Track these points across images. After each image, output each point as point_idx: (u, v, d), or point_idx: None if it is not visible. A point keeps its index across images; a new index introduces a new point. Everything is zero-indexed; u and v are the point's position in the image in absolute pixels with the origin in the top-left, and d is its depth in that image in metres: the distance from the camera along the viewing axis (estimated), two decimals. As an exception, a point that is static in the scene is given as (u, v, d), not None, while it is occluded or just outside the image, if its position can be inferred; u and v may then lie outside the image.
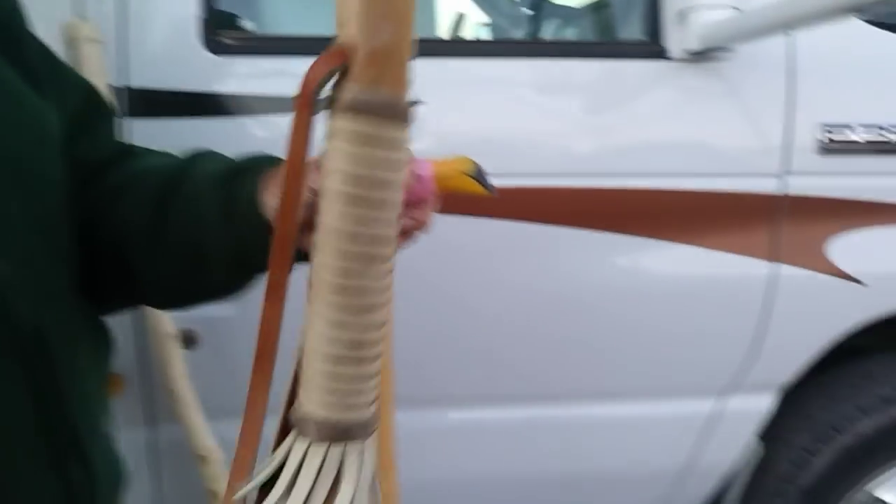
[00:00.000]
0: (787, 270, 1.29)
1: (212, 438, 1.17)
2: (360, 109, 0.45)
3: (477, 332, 1.27)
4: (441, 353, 1.27)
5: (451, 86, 1.18)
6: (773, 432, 1.46)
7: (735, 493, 1.47)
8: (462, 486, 1.39)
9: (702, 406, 1.38)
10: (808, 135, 1.25)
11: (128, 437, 1.26)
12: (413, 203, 0.53)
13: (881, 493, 1.47)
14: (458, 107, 1.19)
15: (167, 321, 1.14)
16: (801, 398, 1.48)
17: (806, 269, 1.30)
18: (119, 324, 1.20)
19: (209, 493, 1.18)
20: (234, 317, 1.15)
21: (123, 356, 1.22)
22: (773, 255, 1.29)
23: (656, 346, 1.31)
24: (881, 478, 1.46)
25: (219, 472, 1.16)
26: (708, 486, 1.47)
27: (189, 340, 1.17)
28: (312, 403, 0.48)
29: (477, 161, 0.59)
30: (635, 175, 1.23)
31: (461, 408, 1.34)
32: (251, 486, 0.49)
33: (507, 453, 1.36)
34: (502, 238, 1.22)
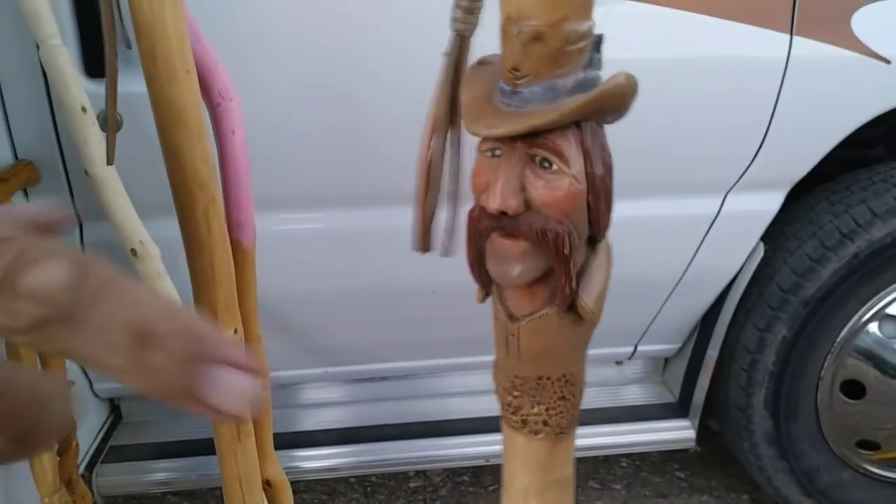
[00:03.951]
0: (805, 45, 1.12)
1: (144, 231, 1.02)
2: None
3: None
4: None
5: None
6: (778, 240, 1.33)
7: (733, 302, 1.36)
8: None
9: (707, 205, 1.24)
10: None
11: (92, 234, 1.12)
12: None
13: (896, 311, 1.35)
14: None
15: (79, 92, 0.96)
16: (809, 202, 1.35)
17: (826, 44, 1.13)
18: (26, 99, 1.05)
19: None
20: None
21: (35, 139, 1.05)
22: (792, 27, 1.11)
23: (656, 137, 1.15)
24: (896, 294, 1.34)
25: (156, 268, 1.01)
26: (707, 294, 1.35)
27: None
28: None
29: None
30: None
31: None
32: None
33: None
34: None
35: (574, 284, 0.46)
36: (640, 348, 1.47)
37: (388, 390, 1.48)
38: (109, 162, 0.72)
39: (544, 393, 0.50)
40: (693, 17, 1.08)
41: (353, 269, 1.23)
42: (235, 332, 0.79)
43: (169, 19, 0.62)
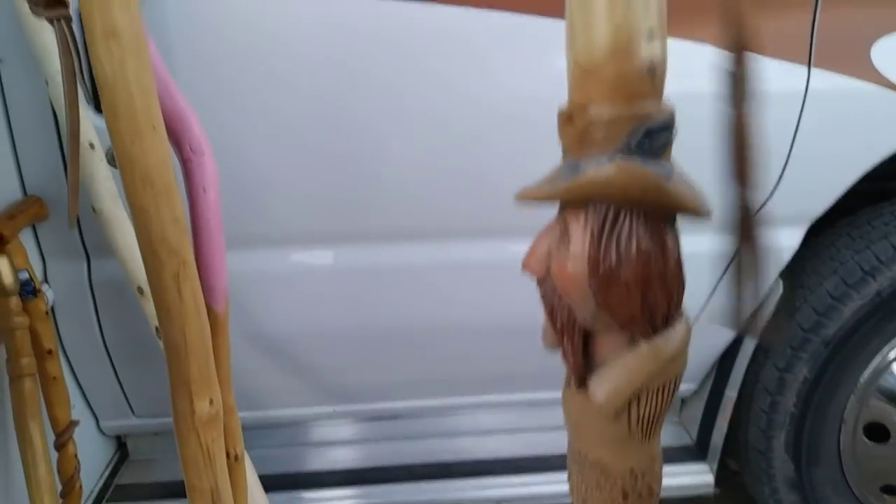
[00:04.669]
0: (824, 78, 1.10)
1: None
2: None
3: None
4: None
5: None
6: (797, 277, 1.30)
7: (752, 342, 1.32)
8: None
9: (719, 240, 1.21)
10: None
11: (61, 272, 1.12)
12: None
13: (920, 349, 1.31)
14: None
15: (87, 129, 0.96)
16: (829, 237, 1.31)
17: (845, 76, 1.11)
18: (35, 135, 1.05)
19: (153, 329, 1.02)
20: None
21: (43, 175, 1.05)
22: (810, 60, 1.09)
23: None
24: (921, 331, 1.30)
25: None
26: (725, 333, 1.32)
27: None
28: None
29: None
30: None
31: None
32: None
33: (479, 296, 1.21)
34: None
35: (577, 362, 0.44)
36: (656, 388, 1.43)
37: (397, 429, 1.45)
38: (70, 225, 0.69)
39: (583, 468, 0.48)
40: (708, 48, 1.07)
41: (362, 306, 1.21)
42: (211, 402, 0.74)
43: (131, 74, 0.57)
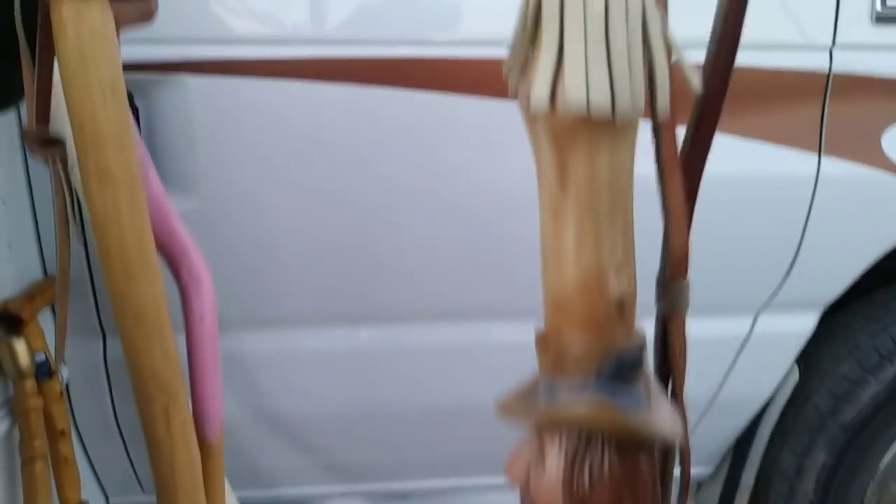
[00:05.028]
0: (834, 165, 1.11)
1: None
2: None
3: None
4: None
5: None
6: (814, 360, 1.28)
7: (769, 426, 1.30)
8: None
9: (736, 327, 1.21)
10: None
11: (76, 349, 1.13)
12: None
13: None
14: None
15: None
16: (845, 321, 1.30)
17: (857, 164, 1.12)
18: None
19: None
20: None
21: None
22: (821, 148, 1.10)
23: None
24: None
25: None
26: (740, 418, 1.30)
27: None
28: None
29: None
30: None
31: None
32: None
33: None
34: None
35: None
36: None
37: (408, 511, 1.43)
38: (57, 360, 0.69)
39: None
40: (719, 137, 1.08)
41: (374, 386, 1.21)
42: None
43: (125, 214, 0.56)
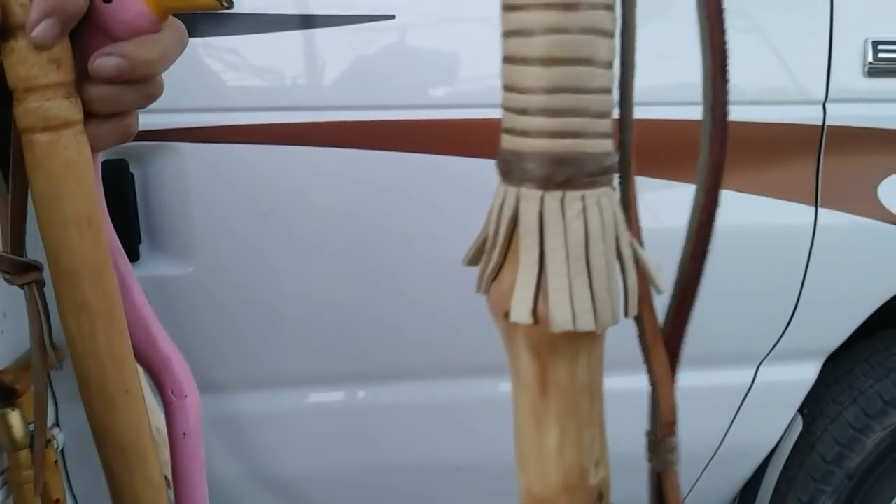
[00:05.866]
0: (832, 217, 1.11)
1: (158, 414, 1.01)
2: None
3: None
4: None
5: None
6: (817, 406, 1.27)
7: (774, 475, 1.29)
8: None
9: (738, 377, 1.20)
10: (853, 53, 1.06)
11: (72, 414, 1.12)
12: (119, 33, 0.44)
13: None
14: None
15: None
16: (848, 363, 1.30)
17: (854, 216, 1.11)
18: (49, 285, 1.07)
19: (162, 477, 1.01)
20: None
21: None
22: (817, 200, 1.10)
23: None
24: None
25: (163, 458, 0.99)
26: (744, 469, 1.29)
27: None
28: None
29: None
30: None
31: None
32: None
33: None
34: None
35: None
36: (676, 521, 1.39)
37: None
38: (36, 492, 0.67)
39: None
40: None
41: (375, 444, 1.20)
42: None
43: (103, 346, 0.54)
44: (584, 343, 0.33)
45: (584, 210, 0.31)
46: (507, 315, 0.33)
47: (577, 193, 0.31)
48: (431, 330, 1.11)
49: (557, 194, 0.31)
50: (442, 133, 1.01)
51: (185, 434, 0.68)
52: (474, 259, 0.37)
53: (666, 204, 1.04)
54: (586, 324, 0.31)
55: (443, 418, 1.18)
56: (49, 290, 0.55)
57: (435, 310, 1.10)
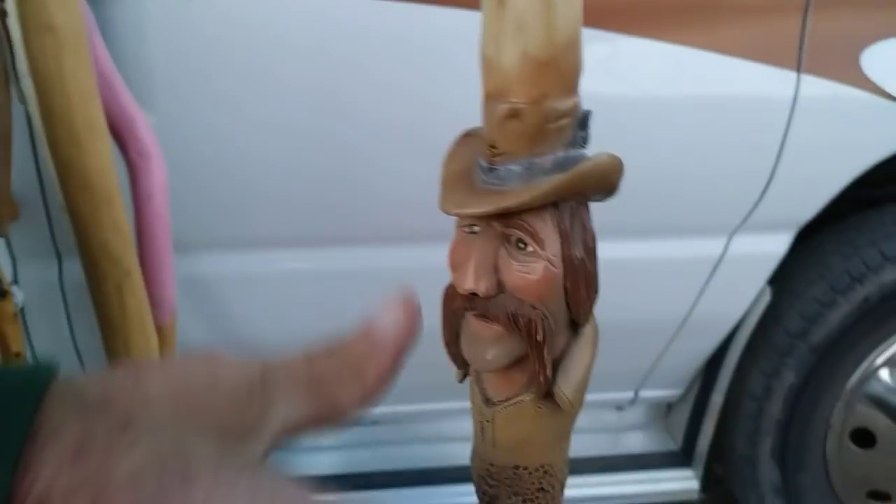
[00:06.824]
0: (812, 84, 1.08)
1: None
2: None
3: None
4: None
5: None
6: (785, 282, 1.28)
7: (738, 348, 1.31)
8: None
9: (710, 248, 1.19)
10: None
11: (29, 271, 1.08)
12: None
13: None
14: None
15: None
16: (817, 244, 1.30)
17: (834, 82, 1.09)
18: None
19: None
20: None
21: (15, 174, 1.01)
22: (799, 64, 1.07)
23: (656, 176, 1.10)
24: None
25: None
26: (711, 339, 1.30)
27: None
28: None
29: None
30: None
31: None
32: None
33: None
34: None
35: (549, 372, 0.42)
36: (641, 393, 1.42)
37: (378, 435, 1.42)
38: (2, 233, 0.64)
39: (521, 484, 0.46)
40: (698, 53, 1.05)
41: (347, 307, 1.18)
42: None
43: (69, 72, 0.51)
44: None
45: None
46: None
47: None
48: (403, 193, 1.08)
49: None
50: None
51: (149, 196, 0.66)
52: None
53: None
54: None
55: (415, 281, 1.17)
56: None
57: (409, 172, 1.06)
